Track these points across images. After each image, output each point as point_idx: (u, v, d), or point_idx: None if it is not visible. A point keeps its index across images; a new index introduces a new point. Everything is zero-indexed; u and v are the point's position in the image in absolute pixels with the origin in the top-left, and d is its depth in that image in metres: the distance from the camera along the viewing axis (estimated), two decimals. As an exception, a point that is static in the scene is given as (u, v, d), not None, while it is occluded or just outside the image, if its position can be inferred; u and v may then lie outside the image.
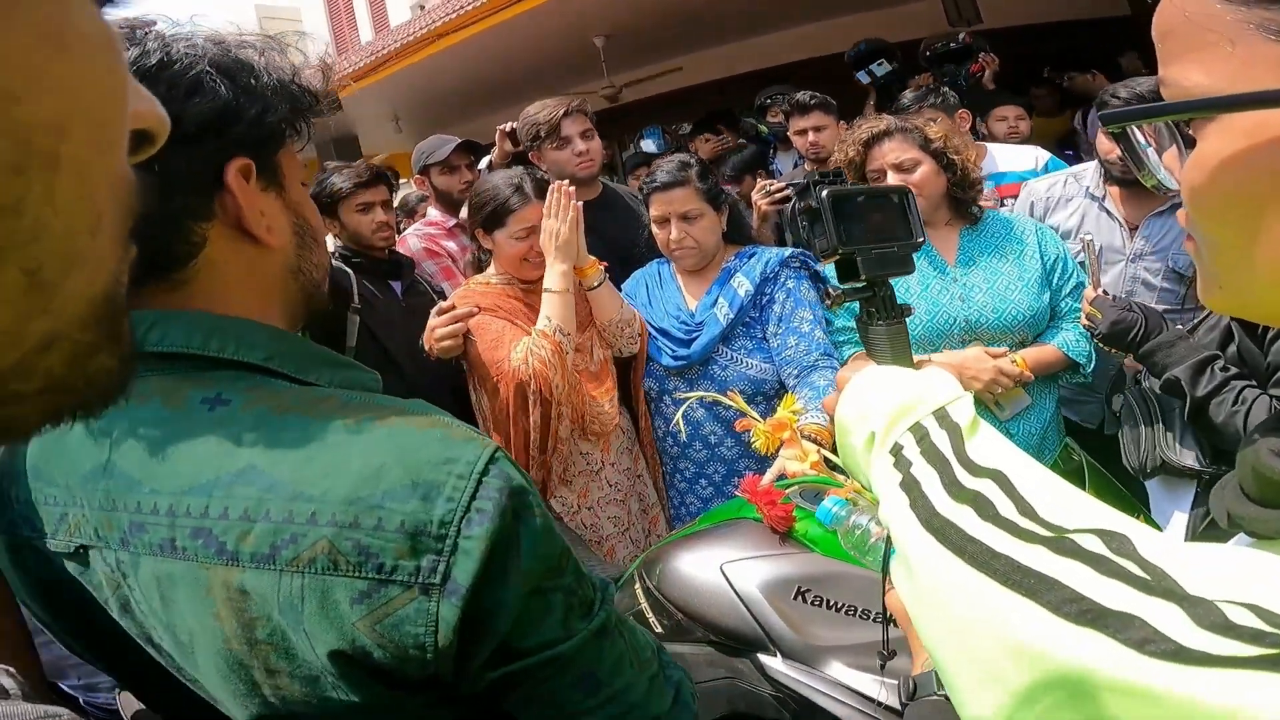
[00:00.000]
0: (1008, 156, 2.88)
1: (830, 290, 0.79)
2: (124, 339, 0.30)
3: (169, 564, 0.57)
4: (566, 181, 1.91)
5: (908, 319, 0.80)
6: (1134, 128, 0.47)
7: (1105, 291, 1.76)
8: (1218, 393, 1.44)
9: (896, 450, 0.57)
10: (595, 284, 1.97)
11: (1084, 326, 1.75)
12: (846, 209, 0.78)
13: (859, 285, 0.80)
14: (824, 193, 0.77)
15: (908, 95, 2.99)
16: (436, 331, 1.91)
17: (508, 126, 2.76)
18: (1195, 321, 1.63)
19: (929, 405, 0.59)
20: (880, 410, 0.61)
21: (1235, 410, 1.41)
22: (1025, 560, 0.43)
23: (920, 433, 0.57)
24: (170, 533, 0.57)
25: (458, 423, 0.61)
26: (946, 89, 3.07)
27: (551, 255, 1.86)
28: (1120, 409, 1.75)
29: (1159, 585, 0.38)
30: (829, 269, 2.02)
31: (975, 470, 0.52)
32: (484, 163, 2.96)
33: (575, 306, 1.92)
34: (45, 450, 0.65)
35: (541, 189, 1.92)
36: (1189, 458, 1.56)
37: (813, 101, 3.11)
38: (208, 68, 0.60)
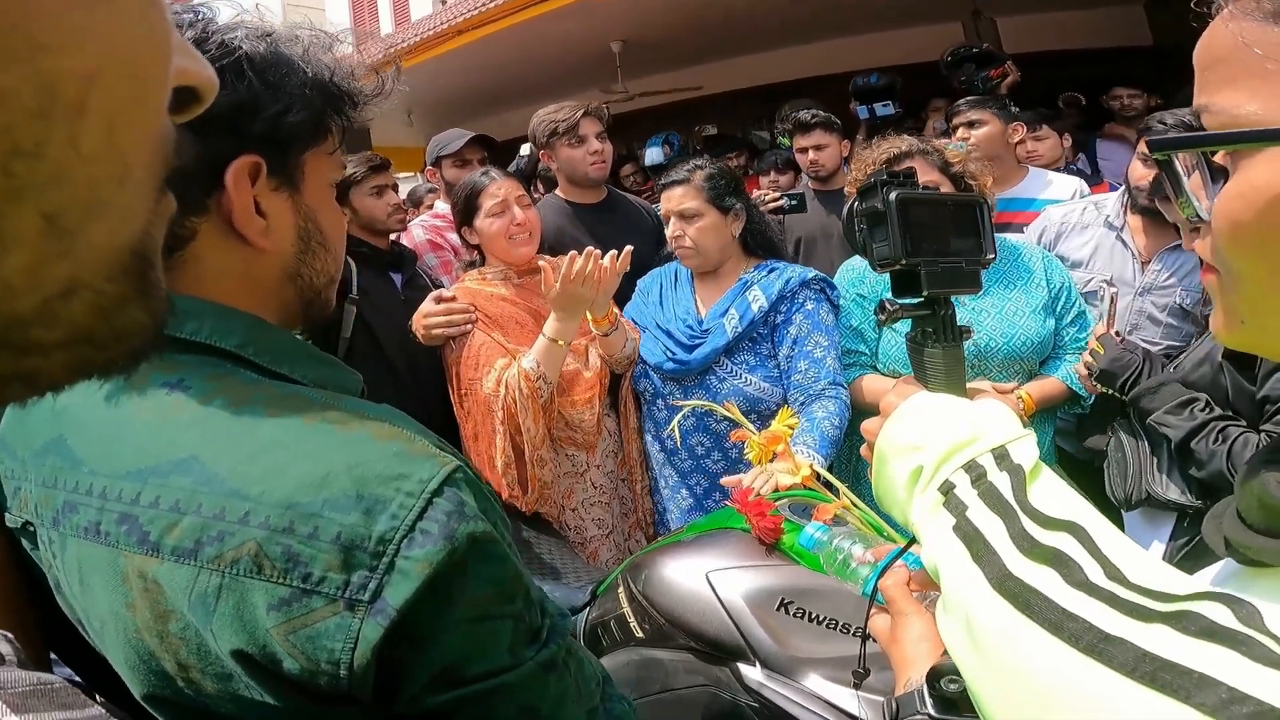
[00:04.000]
0: (1050, 185, 2.73)
1: (886, 304, 0.72)
2: (156, 294, 0.30)
3: (91, 548, 0.56)
4: (615, 255, 1.82)
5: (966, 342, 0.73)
6: (1178, 156, 0.45)
7: (1117, 333, 1.76)
8: (1198, 432, 1.46)
9: (947, 489, 0.53)
10: (607, 331, 1.96)
11: (1084, 362, 1.75)
12: (914, 215, 0.69)
13: (917, 301, 0.71)
14: (892, 195, 0.68)
15: (963, 101, 2.91)
16: (430, 319, 1.92)
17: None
18: (1181, 357, 1.64)
19: (987, 442, 0.54)
20: (932, 443, 0.56)
21: (1214, 449, 1.43)
22: (1152, 647, 0.37)
23: (976, 472, 0.52)
24: (98, 516, 0.55)
25: (422, 437, 0.58)
26: (1008, 99, 3.03)
27: (561, 303, 1.79)
28: (1109, 443, 1.76)
29: None
30: (847, 287, 2.01)
31: (1045, 522, 0.47)
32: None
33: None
34: (11, 422, 0.64)
35: (507, 172, 1.99)
36: (1174, 492, 1.57)
37: (814, 120, 3.12)
38: (240, 61, 0.58)
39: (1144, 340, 2.09)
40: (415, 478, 0.53)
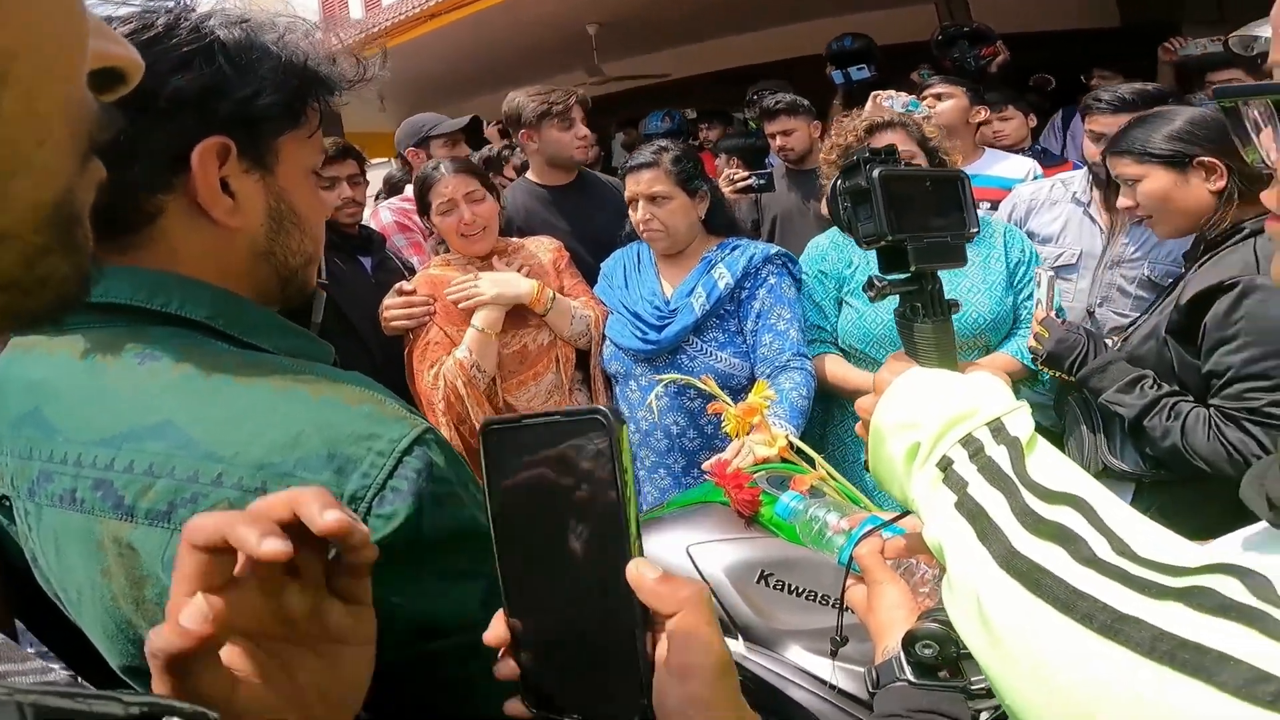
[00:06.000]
0: (1002, 164, 2.84)
1: (874, 280, 0.72)
2: (79, 248, 0.33)
3: (67, 516, 0.56)
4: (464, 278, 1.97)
5: (954, 315, 0.73)
6: (1245, 104, 0.44)
7: (1056, 313, 1.78)
8: (1150, 409, 1.48)
9: (945, 465, 0.52)
10: (544, 311, 2.00)
11: (1029, 347, 1.77)
12: (898, 192, 0.69)
13: (905, 276, 0.72)
14: (875, 172, 0.68)
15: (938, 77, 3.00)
16: (389, 313, 2.01)
17: None
18: (1129, 331, 1.67)
19: (983, 415, 0.53)
20: (928, 419, 0.55)
21: (1169, 426, 1.46)
22: (1167, 625, 0.36)
23: (974, 446, 0.52)
24: (73, 483, 0.56)
25: (393, 400, 0.59)
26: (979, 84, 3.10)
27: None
28: (1064, 416, 1.79)
29: None
30: (809, 264, 2.03)
31: (1047, 495, 0.46)
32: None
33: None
34: None
35: (457, 166, 2.03)
36: (1128, 462, 1.61)
37: (778, 106, 3.15)
38: (211, 46, 0.60)
39: (1115, 313, 2.13)
40: (386, 438, 0.54)
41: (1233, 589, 0.36)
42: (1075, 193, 2.26)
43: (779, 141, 3.16)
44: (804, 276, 2.03)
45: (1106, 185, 2.10)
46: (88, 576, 0.57)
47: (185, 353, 0.58)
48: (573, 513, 0.44)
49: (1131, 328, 1.68)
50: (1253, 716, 0.32)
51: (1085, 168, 2.28)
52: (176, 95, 0.58)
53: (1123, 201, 1.69)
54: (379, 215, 2.84)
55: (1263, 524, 0.46)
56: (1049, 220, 2.29)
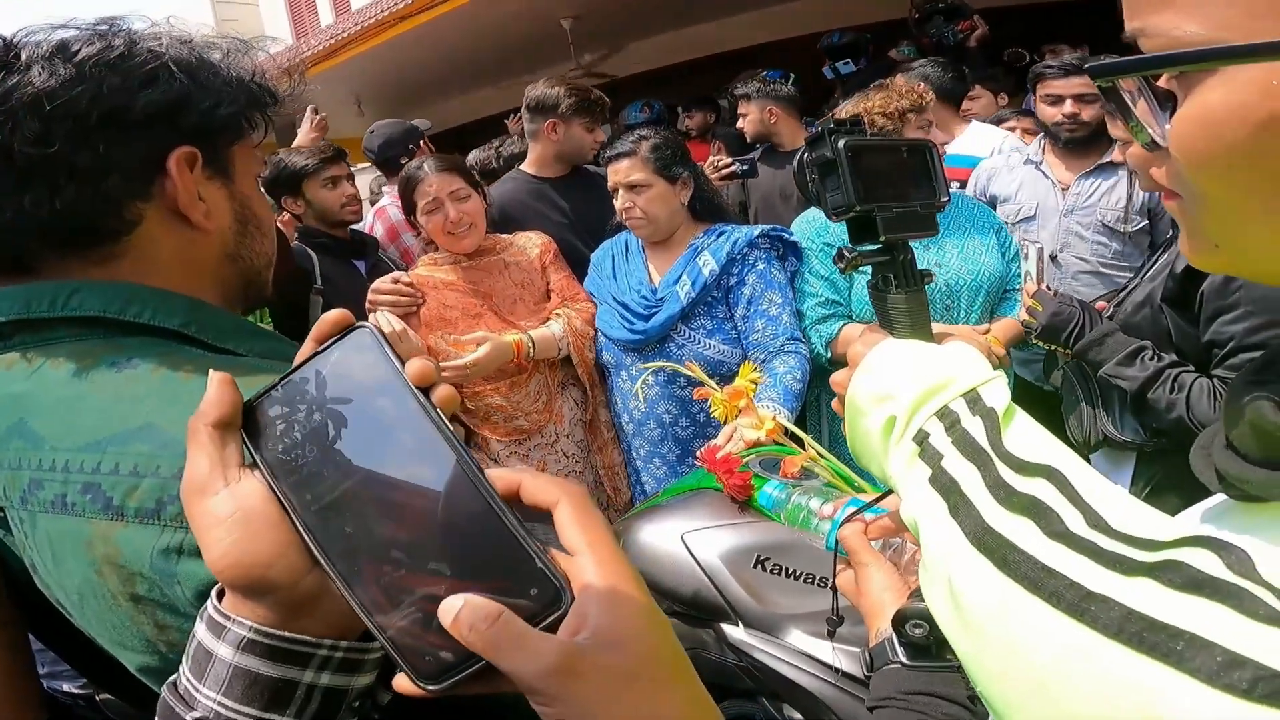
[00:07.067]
0: (969, 140, 2.95)
1: (844, 251, 0.72)
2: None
3: (60, 520, 0.58)
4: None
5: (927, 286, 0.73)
6: (1122, 83, 0.43)
7: (1048, 287, 1.79)
8: (1153, 382, 1.47)
9: (922, 438, 0.51)
10: (529, 357, 2.00)
11: (1022, 321, 1.78)
12: (865, 162, 0.69)
13: (875, 247, 0.71)
14: (841, 143, 0.67)
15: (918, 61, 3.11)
16: (381, 298, 2.00)
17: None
18: (1121, 297, 1.67)
19: (958, 386, 0.52)
20: (902, 391, 0.53)
21: (1174, 399, 1.44)
22: (1136, 604, 0.34)
23: (950, 419, 0.50)
24: (63, 489, 0.57)
25: None
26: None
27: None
28: (1061, 385, 1.79)
29: None
30: (811, 237, 2.02)
31: (1021, 467, 0.45)
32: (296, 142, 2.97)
33: (515, 290, 2.04)
34: None
35: (441, 165, 2.02)
36: (1128, 432, 1.61)
37: (735, 93, 3.22)
38: (169, 63, 0.65)
39: (1077, 258, 2.36)
40: None
41: (1207, 563, 0.34)
42: (1028, 155, 2.53)
43: (739, 124, 3.22)
44: (808, 251, 2.01)
45: (1062, 144, 2.41)
46: (85, 578, 0.58)
47: (161, 359, 0.61)
48: (372, 456, 0.40)
49: (1124, 294, 1.67)
50: (1227, 706, 0.30)
51: (1041, 134, 2.54)
52: (148, 108, 0.63)
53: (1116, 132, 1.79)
54: (386, 212, 2.83)
55: (1220, 495, 0.44)
56: (1007, 183, 2.54)
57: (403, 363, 0.42)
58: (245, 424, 0.43)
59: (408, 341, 1.72)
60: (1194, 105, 0.38)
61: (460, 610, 0.37)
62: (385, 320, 1.77)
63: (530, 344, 1.98)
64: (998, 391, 0.51)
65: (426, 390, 0.42)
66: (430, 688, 0.39)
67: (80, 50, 0.62)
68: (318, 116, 2.94)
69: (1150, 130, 0.41)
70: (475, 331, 1.94)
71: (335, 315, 0.45)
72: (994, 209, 2.46)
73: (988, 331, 1.94)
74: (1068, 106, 2.35)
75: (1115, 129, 1.78)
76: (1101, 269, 2.36)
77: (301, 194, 2.42)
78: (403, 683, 0.40)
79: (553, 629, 0.38)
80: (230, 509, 0.41)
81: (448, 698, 0.39)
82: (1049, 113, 2.41)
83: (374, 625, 0.39)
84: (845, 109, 2.09)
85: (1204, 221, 0.41)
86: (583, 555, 0.39)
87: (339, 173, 2.47)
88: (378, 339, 0.42)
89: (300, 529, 0.41)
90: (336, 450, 0.41)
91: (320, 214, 2.44)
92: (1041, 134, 2.52)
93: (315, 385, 0.43)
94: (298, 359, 0.44)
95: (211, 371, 0.45)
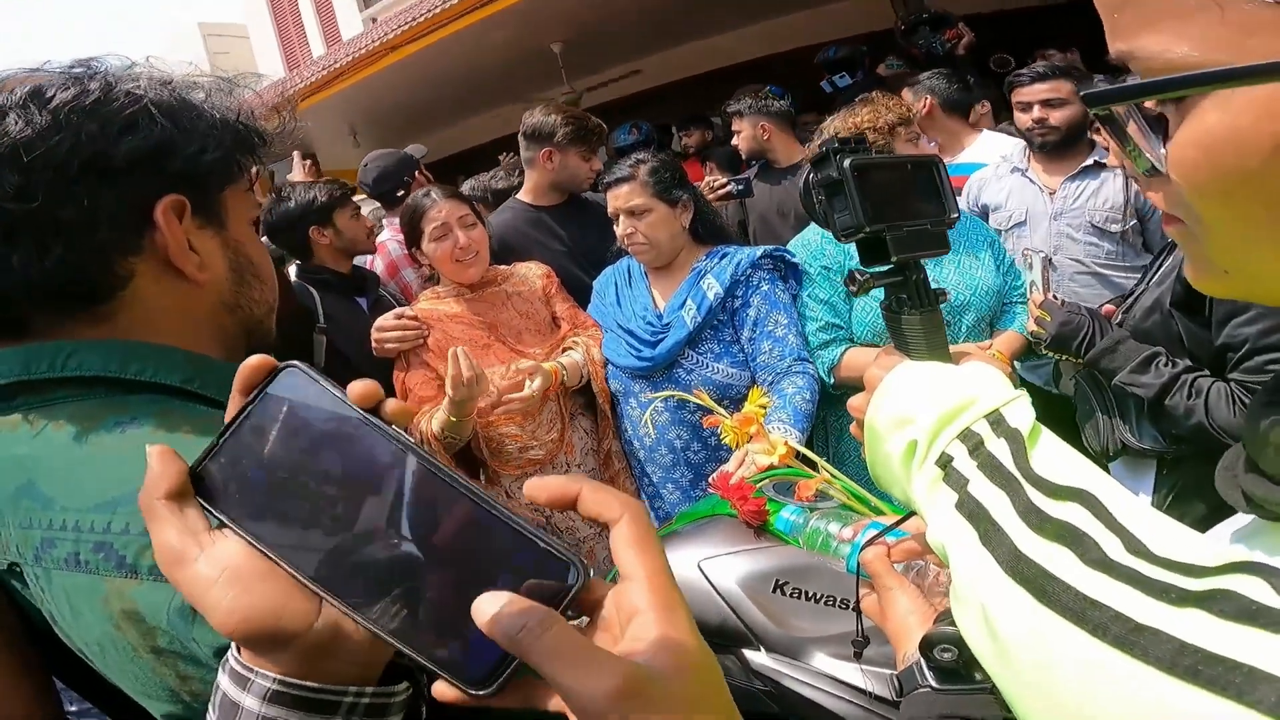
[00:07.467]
0: (980, 149, 2.94)
1: (856, 274, 0.70)
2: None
3: (74, 577, 0.58)
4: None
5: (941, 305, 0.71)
6: (1114, 108, 0.41)
7: (1055, 295, 1.79)
8: (1169, 389, 1.45)
9: (945, 461, 0.50)
10: (562, 384, 2.00)
11: (1031, 332, 1.76)
12: (872, 181, 0.67)
13: (888, 268, 0.69)
14: (846, 162, 0.66)
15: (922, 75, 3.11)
16: (386, 334, 1.99)
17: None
18: (1129, 303, 1.66)
19: (980, 408, 0.50)
20: (922, 414, 0.52)
21: (1193, 405, 1.42)
22: (1189, 636, 0.33)
23: (973, 441, 0.49)
24: (75, 547, 0.57)
25: None
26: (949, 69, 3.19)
27: (455, 410, 1.80)
28: (1074, 395, 1.77)
29: None
30: (809, 261, 2.02)
31: (1053, 491, 0.43)
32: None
33: (520, 320, 2.04)
34: None
35: (447, 193, 2.02)
36: (1147, 440, 1.59)
37: (729, 111, 3.22)
38: (149, 107, 0.61)
39: (1071, 260, 2.37)
40: None
41: (1259, 591, 0.33)
42: (1014, 164, 2.56)
43: (734, 141, 3.23)
44: (807, 274, 2.00)
45: (1038, 148, 2.45)
46: (104, 631, 0.58)
47: (164, 417, 0.60)
48: (334, 484, 0.40)
49: (1131, 300, 1.66)
50: None
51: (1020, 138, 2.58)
52: (131, 155, 0.60)
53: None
54: (387, 247, 2.81)
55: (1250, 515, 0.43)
56: (996, 191, 2.58)
57: (343, 389, 0.41)
58: (197, 489, 0.42)
59: (484, 381, 1.74)
60: (1192, 129, 0.36)
61: (498, 612, 0.35)
62: (464, 360, 1.69)
63: (564, 371, 1.98)
64: (1021, 411, 0.50)
65: (374, 409, 0.42)
66: (478, 693, 0.38)
67: (55, 96, 0.58)
68: (307, 162, 2.92)
69: (1149, 156, 0.40)
70: (521, 362, 1.93)
71: (255, 361, 0.43)
72: (986, 218, 2.50)
73: (989, 347, 1.94)
74: (1035, 112, 2.38)
75: (1114, 157, 1.77)
76: (1098, 269, 2.37)
77: (331, 223, 2.41)
78: (444, 690, 0.38)
79: (574, 608, 0.38)
80: (216, 571, 0.40)
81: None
82: (1022, 119, 2.46)
83: (401, 645, 0.39)
84: (832, 125, 2.09)
85: (1209, 247, 0.40)
86: (639, 581, 0.37)
87: (356, 205, 2.51)
88: (310, 374, 0.42)
89: (292, 573, 0.40)
90: (304, 488, 0.41)
91: (348, 244, 2.44)
92: (1023, 143, 2.57)
93: (259, 433, 0.42)
94: (229, 413, 0.43)
95: (148, 446, 0.43)
